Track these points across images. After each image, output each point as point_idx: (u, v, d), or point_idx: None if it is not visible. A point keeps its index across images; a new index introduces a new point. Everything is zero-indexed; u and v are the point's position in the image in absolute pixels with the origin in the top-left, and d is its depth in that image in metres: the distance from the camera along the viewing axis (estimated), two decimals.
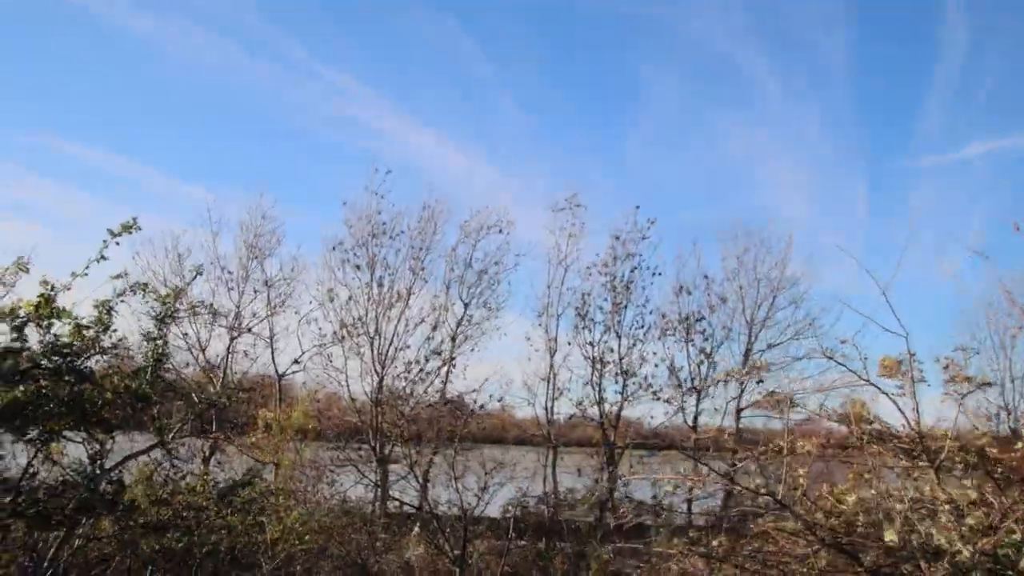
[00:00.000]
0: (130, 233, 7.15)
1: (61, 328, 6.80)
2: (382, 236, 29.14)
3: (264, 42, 77.44)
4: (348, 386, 28.95)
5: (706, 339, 29.28)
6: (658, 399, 28.97)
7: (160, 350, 8.11)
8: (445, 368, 28.95)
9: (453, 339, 29.21)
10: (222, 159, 71.58)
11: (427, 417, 28.11)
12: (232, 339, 28.71)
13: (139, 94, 75.63)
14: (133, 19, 71.17)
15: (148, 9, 74.61)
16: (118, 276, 7.26)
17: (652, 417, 29.61)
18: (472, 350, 29.61)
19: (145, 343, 8.06)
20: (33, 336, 6.62)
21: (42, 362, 6.61)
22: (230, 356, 28.60)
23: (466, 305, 29.55)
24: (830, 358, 7.45)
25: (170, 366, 11.94)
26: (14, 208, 56.58)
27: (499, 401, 28.23)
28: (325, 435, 28.06)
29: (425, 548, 21.19)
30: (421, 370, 28.54)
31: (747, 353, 29.66)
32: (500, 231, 29.99)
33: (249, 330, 28.13)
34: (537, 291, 30.13)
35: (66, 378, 6.67)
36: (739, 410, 29.48)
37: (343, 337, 28.48)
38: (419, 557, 21.23)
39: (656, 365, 28.94)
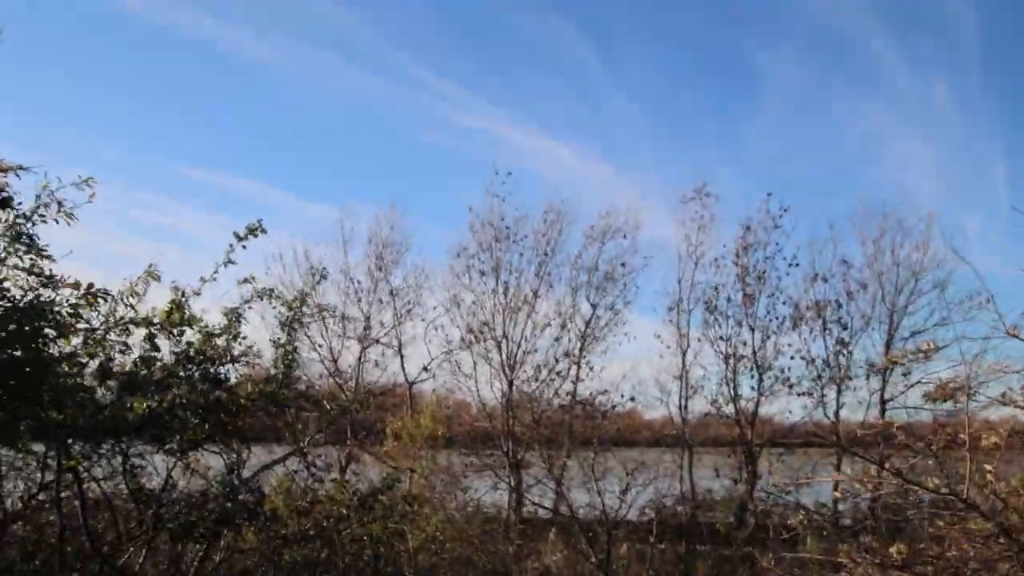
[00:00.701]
0: (256, 236, 7.03)
1: (192, 336, 6.72)
2: (505, 240, 28.92)
3: (377, 58, 78.58)
4: (478, 391, 28.84)
5: (844, 327, 27.89)
6: (796, 393, 27.80)
7: (290, 356, 7.97)
8: (575, 369, 28.52)
9: (582, 340, 28.75)
10: (347, 179, 72.67)
11: (559, 420, 27.78)
12: (362, 349, 29.02)
13: (265, 119, 77.60)
14: (256, 48, 73.31)
15: (268, 37, 76.78)
16: (245, 281, 7.13)
17: (790, 412, 28.30)
18: (603, 352, 29.10)
19: (275, 349, 7.94)
20: (165, 345, 6.55)
21: (177, 371, 6.51)
22: (361, 366, 28.91)
23: (593, 307, 29.06)
24: (1015, 336, 6.70)
25: (303, 375, 11.87)
26: (148, 232, 58.88)
27: (631, 400, 27.62)
28: (456, 441, 28.07)
29: (564, 553, 20.78)
30: (551, 372, 28.19)
31: (889, 342, 28.13)
32: (625, 236, 29.39)
33: (378, 340, 28.34)
34: (667, 287, 29.30)
35: (200, 387, 6.56)
36: (883, 401, 28.01)
37: (470, 342, 28.38)
38: (558, 562, 20.82)
39: (792, 358, 27.78)
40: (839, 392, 27.98)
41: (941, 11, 66.27)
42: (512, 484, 27.03)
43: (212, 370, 6.71)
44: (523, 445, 27.72)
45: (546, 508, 25.10)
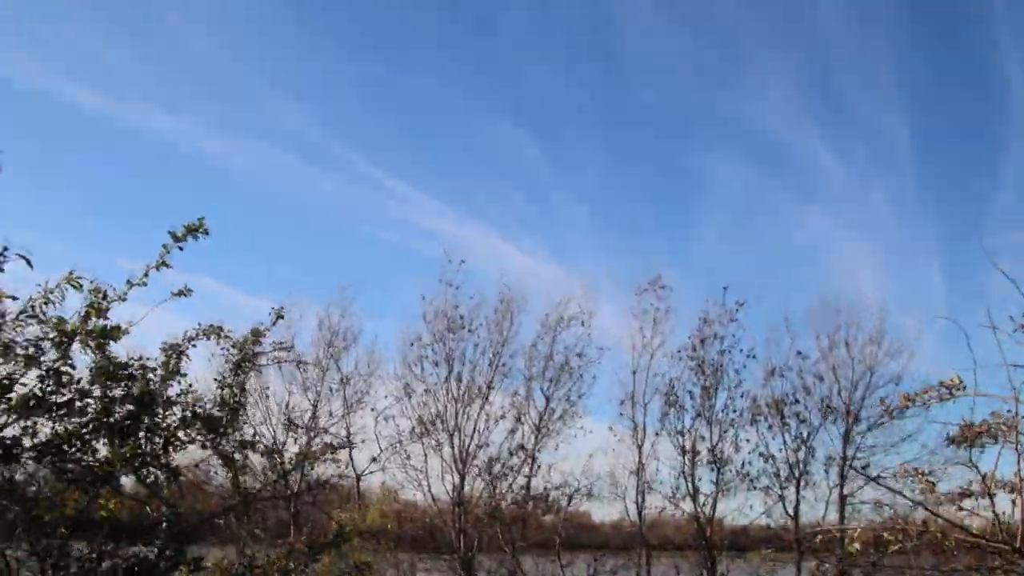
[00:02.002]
0: (196, 238, 6.36)
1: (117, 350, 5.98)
2: (460, 330, 28.39)
3: (326, 155, 79.32)
4: (429, 485, 27.79)
5: (802, 421, 27.47)
6: (755, 487, 27.14)
7: (236, 398, 7.21)
8: (529, 464, 27.68)
9: (536, 433, 28.02)
10: (297, 274, 72.20)
11: (512, 515, 26.80)
12: (309, 440, 27.97)
13: (214, 215, 77.21)
14: (205, 141, 73.67)
15: (219, 133, 77.26)
16: (180, 293, 6.37)
17: (751, 507, 27.49)
18: (556, 448, 28.26)
19: (219, 390, 7.15)
20: (82, 361, 5.82)
21: (92, 389, 5.78)
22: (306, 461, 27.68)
23: (548, 399, 28.42)
24: None
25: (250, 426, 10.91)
26: None
27: (588, 495, 26.68)
28: (404, 539, 26.89)
29: None
30: (504, 466, 27.29)
31: (847, 435, 27.73)
32: (582, 323, 28.99)
33: (326, 431, 27.29)
34: (621, 378, 28.80)
35: (120, 408, 5.84)
36: (843, 498, 27.44)
37: (421, 434, 27.50)
38: None
39: (750, 452, 27.25)
40: (798, 488, 27.42)
41: (876, 120, 68.86)
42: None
43: (136, 389, 5.95)
44: (474, 542, 26.69)
45: None
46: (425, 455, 27.83)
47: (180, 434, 6.43)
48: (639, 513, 27.67)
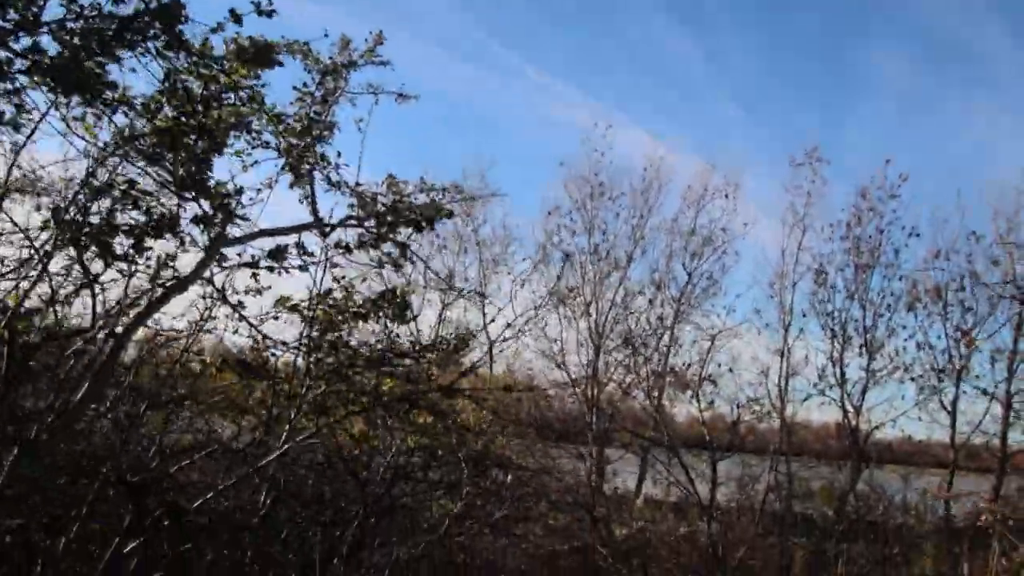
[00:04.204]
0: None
1: None
2: (600, 198, 27.18)
3: (471, 47, 77.62)
4: (564, 358, 27.03)
5: (968, 310, 25.13)
6: (910, 378, 25.18)
7: None
8: (667, 340, 26.55)
9: (677, 310, 26.81)
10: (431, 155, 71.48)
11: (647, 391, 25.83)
12: (444, 306, 27.62)
13: None
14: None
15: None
16: None
17: (902, 397, 25.54)
18: (696, 326, 27.01)
19: None
20: None
21: None
22: (441, 321, 27.45)
23: (689, 275, 27.07)
24: None
25: None
26: None
27: (730, 371, 25.30)
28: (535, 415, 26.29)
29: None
30: (642, 343, 26.19)
31: (1019, 326, 25.03)
32: (726, 196, 27.29)
33: (461, 292, 26.70)
34: (770, 258, 27.09)
35: None
36: (1009, 396, 24.93)
37: (557, 304, 26.62)
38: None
39: (905, 340, 25.26)
40: (958, 381, 25.23)
41: None
42: (593, 457, 25.06)
43: None
44: (608, 419, 25.98)
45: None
46: (561, 327, 27.10)
47: None
48: (781, 399, 26.18)
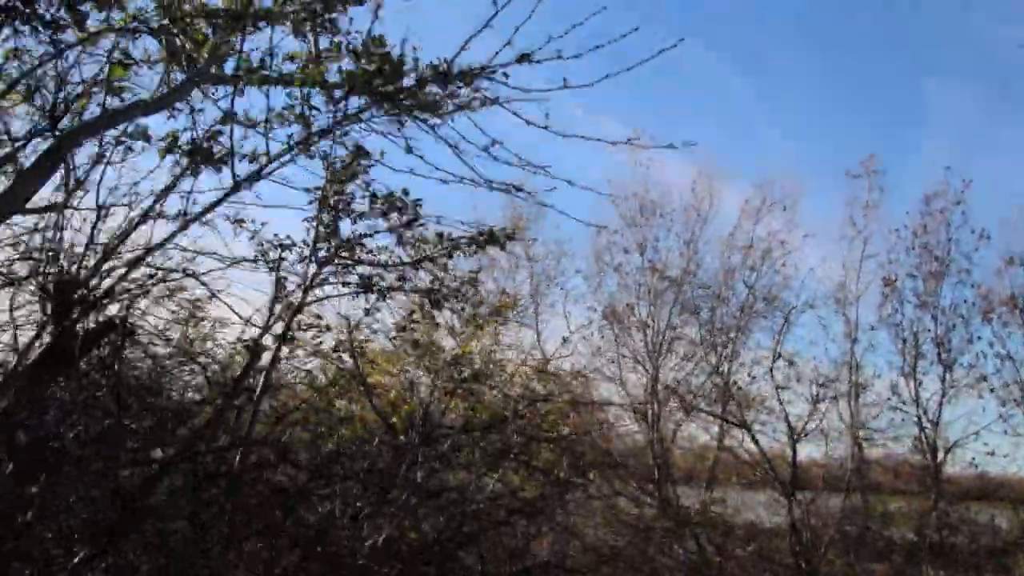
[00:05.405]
0: None
1: None
2: (651, 215, 26.46)
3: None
4: (622, 376, 26.09)
5: None
6: (990, 390, 23.62)
7: None
8: (724, 359, 25.45)
9: (737, 327, 25.76)
10: None
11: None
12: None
13: None
14: None
15: None
16: None
17: (983, 409, 23.95)
18: (757, 343, 25.87)
19: None
20: None
21: None
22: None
23: (749, 288, 26.04)
24: None
25: None
26: None
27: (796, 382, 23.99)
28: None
29: None
30: (701, 360, 25.17)
31: None
32: (784, 208, 26.32)
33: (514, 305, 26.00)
34: (831, 272, 25.97)
35: None
36: None
37: (612, 323, 25.80)
38: None
39: (984, 351, 23.75)
40: None
41: None
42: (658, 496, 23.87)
43: None
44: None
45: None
46: (617, 345, 26.20)
47: None
48: (851, 413, 24.78)
